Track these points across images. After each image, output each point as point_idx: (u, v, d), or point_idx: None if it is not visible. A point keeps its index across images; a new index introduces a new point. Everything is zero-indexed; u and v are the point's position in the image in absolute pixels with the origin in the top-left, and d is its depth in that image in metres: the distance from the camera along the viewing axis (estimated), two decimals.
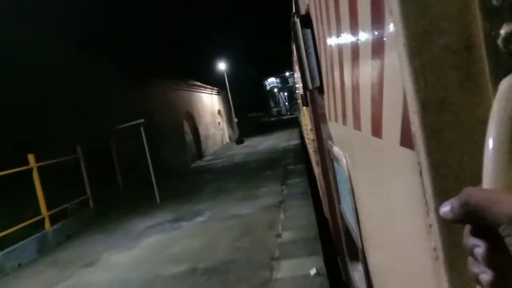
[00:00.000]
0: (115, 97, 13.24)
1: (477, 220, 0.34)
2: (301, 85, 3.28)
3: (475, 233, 0.35)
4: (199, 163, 19.13)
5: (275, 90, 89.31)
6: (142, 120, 9.22)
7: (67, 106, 10.72)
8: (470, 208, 0.34)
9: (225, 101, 31.27)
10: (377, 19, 0.58)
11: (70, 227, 8.04)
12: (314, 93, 2.50)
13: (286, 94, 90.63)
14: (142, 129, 9.36)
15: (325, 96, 1.69)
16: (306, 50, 1.88)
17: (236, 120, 29.56)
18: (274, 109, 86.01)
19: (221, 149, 25.31)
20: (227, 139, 30.45)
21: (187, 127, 20.32)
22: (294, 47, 3.11)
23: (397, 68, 0.51)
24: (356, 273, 1.64)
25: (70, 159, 9.29)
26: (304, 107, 4.45)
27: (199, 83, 24.24)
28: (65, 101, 10.70)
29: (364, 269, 1.20)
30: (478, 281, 0.35)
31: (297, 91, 7.95)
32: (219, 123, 29.06)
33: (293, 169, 10.97)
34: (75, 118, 10.75)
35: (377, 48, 0.61)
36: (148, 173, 9.75)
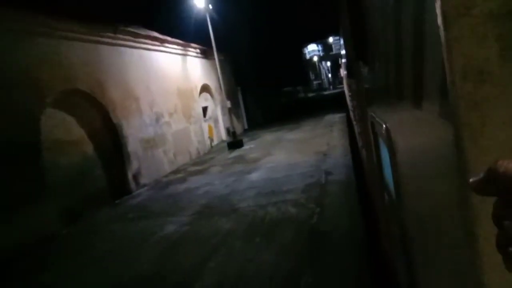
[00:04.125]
0: None
1: (505, 191, 0.33)
2: (347, 53, 3.18)
3: (503, 206, 0.34)
4: (93, 218, 7.87)
5: (315, 59, 71.48)
6: None
7: None
8: (497, 178, 0.33)
9: (226, 70, 18.52)
10: None
11: None
12: (360, 64, 2.43)
13: (329, 64, 73.33)
14: None
15: (370, 66, 1.64)
16: (352, 18, 1.82)
17: (229, 105, 16.61)
18: (315, 82, 70.64)
19: (191, 163, 13.26)
20: (222, 135, 18.30)
21: (75, 130, 8.79)
22: (342, 15, 3.00)
23: (437, 37, 0.49)
24: (397, 245, 1.64)
25: None
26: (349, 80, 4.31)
27: (137, 31, 11.21)
28: None
29: (401, 240, 1.20)
30: (505, 254, 0.34)
31: (343, 60, 7.61)
32: (205, 109, 16.75)
33: None
34: None
35: (419, 16, 0.59)
36: None
